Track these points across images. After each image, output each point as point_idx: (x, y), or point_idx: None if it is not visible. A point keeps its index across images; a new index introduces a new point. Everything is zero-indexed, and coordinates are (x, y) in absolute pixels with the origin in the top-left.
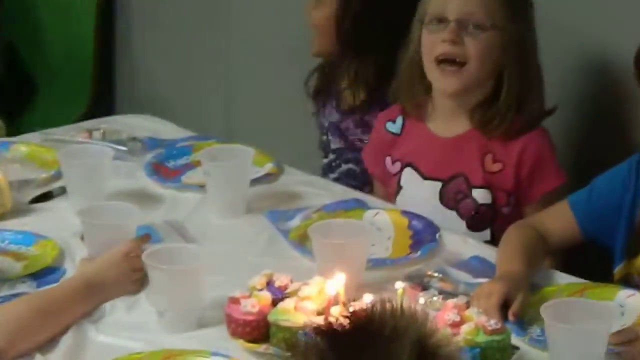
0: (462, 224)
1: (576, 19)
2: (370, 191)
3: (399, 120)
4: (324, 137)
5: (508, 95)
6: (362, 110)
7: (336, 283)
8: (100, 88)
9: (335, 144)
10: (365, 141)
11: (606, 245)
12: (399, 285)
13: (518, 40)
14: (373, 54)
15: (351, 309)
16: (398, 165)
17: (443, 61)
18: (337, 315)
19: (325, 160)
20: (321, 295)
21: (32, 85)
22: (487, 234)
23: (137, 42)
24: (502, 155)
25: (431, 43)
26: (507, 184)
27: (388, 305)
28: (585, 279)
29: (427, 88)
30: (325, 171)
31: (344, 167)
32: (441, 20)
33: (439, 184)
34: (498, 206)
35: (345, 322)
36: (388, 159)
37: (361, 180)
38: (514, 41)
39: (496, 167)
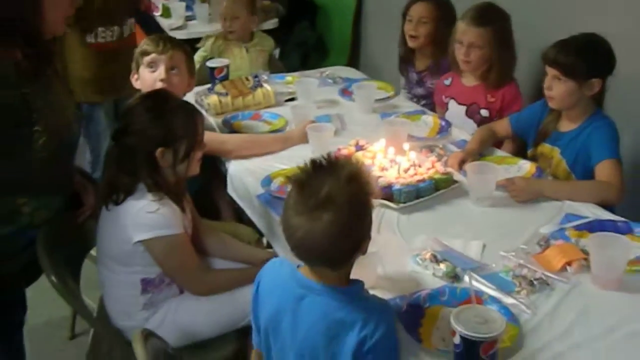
0: (475, 125)
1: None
2: (432, 109)
3: (449, 79)
4: (411, 91)
5: (495, 70)
6: (431, 71)
7: (379, 146)
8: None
9: (418, 92)
10: (432, 85)
11: (524, 139)
12: (406, 146)
13: (499, 47)
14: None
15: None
16: (448, 99)
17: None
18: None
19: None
20: (374, 151)
21: (324, 51)
22: None
23: (372, 34)
24: (495, 94)
25: (457, 50)
26: (496, 108)
27: (347, 159)
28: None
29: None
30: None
31: (422, 102)
32: (461, 42)
33: (465, 107)
34: (491, 118)
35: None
36: (443, 96)
37: (430, 107)
38: (495, 47)
39: (492, 100)
